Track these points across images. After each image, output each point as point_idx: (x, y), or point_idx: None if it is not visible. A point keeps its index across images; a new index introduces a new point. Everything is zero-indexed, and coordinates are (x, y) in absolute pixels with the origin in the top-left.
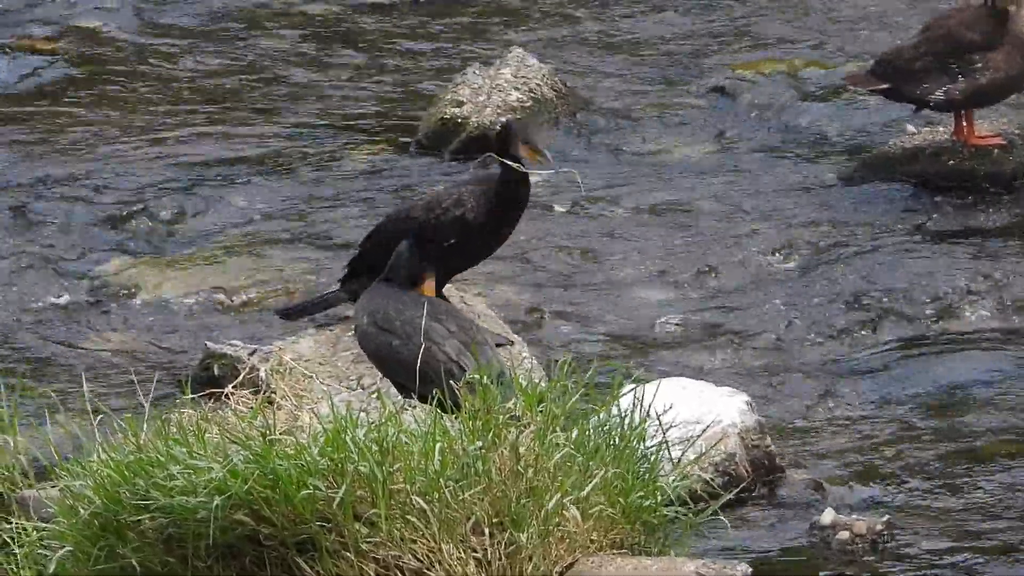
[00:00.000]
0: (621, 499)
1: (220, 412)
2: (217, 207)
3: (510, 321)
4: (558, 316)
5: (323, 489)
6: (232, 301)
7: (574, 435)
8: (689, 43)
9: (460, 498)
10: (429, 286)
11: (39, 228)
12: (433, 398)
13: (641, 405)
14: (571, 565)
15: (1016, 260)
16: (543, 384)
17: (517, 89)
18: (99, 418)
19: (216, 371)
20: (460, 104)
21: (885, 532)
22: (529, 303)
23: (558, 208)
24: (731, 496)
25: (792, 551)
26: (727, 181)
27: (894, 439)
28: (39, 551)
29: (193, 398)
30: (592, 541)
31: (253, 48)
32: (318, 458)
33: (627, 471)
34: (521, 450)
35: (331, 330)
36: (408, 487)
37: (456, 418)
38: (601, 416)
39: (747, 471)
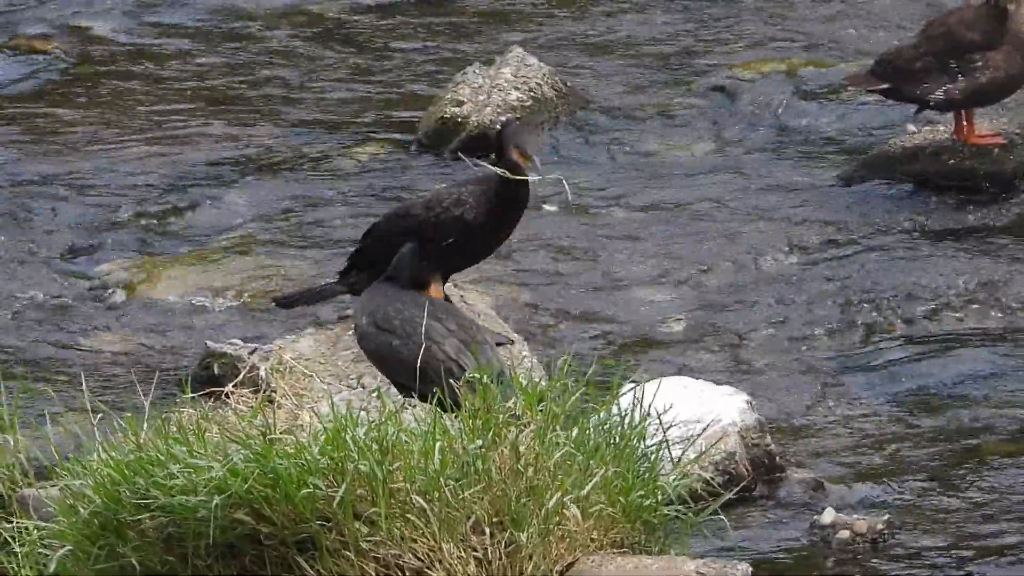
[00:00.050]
0: (621, 498)
1: (220, 411)
2: (217, 206)
3: (510, 320)
4: (558, 315)
5: (323, 488)
6: (232, 300)
7: (574, 434)
8: (689, 43)
9: (460, 497)
10: (436, 289)
11: (39, 228)
12: (433, 397)
13: (641, 404)
14: (571, 564)
15: (1017, 259)
16: (543, 383)
17: (517, 89)
18: (99, 417)
19: (216, 370)
20: (460, 103)
21: (885, 531)
22: (529, 302)
23: (547, 208)
24: (731, 495)
25: (792, 550)
26: (727, 180)
27: (894, 438)
28: (39, 550)
29: (193, 397)
30: (592, 540)
31: (253, 47)
32: (318, 457)
33: (627, 470)
34: (521, 449)
35: (331, 329)
36: (408, 486)
37: (456, 417)
38: (601, 415)
39: (747, 470)
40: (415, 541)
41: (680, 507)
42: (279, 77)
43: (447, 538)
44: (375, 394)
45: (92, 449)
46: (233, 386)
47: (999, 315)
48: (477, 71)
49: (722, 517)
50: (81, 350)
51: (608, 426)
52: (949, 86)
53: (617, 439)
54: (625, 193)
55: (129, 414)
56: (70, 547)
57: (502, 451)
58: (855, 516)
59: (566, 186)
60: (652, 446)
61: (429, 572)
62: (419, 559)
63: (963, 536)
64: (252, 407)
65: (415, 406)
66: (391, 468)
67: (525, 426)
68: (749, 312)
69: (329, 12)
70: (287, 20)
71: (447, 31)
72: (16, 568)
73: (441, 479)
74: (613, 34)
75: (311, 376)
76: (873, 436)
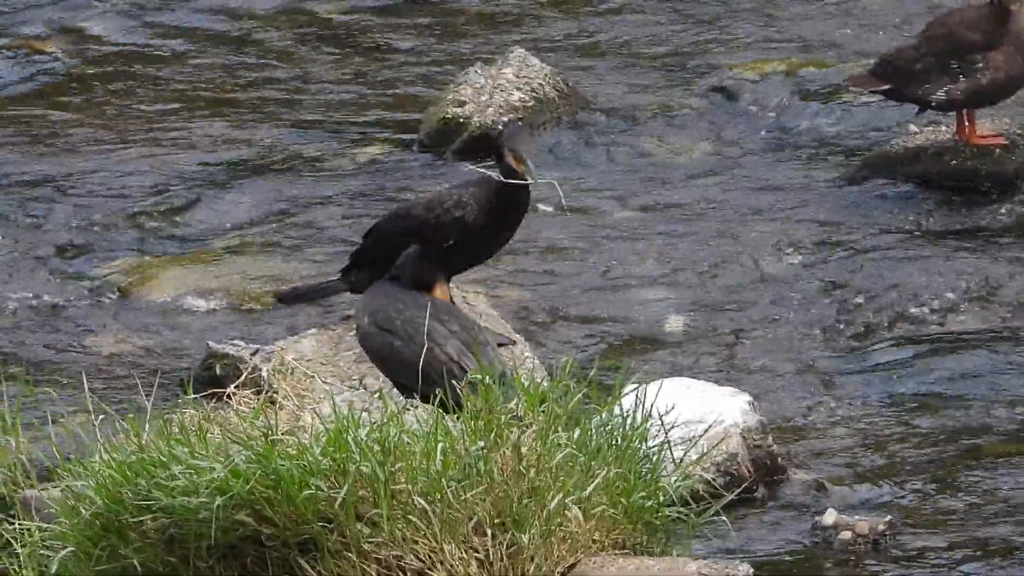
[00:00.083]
0: (623, 499)
1: (222, 412)
2: (218, 207)
3: (512, 321)
4: (560, 316)
5: (325, 489)
6: (234, 301)
7: (576, 435)
8: (691, 43)
9: (462, 498)
10: (443, 291)
11: (39, 229)
12: (435, 398)
13: (643, 405)
14: (573, 565)
15: (1018, 260)
16: (545, 384)
17: (519, 89)
18: (101, 418)
19: (218, 371)
20: (462, 104)
21: (887, 532)
22: (531, 303)
23: (542, 208)
24: (733, 496)
25: (794, 551)
26: (728, 181)
27: (896, 439)
28: (41, 551)
29: (195, 398)
30: (594, 541)
31: (253, 48)
32: (320, 458)
33: (629, 471)
34: (523, 450)
35: (333, 330)
36: (410, 487)
37: (458, 418)
38: (603, 416)
39: (749, 471)
40: (417, 542)
41: (682, 508)
42: (279, 77)
43: (449, 539)
44: (377, 395)
45: (94, 450)
46: (235, 387)
47: (1000, 315)
48: (479, 71)
49: (724, 518)
50: (82, 351)
51: (610, 427)
52: (950, 86)
53: (619, 440)
54: (627, 193)
55: (131, 415)
56: (72, 548)
57: (504, 452)
58: (857, 517)
59: (559, 190)
60: (654, 447)
61: (431, 573)
62: (421, 560)
63: (965, 537)
64: (254, 408)
65: (417, 407)
66: (393, 469)
67: (527, 427)
68: (751, 312)
69: (330, 12)
70: (287, 20)
71: (449, 31)
72: (18, 569)
73: (443, 480)
74: (615, 35)
75: (313, 377)
76: (874, 437)
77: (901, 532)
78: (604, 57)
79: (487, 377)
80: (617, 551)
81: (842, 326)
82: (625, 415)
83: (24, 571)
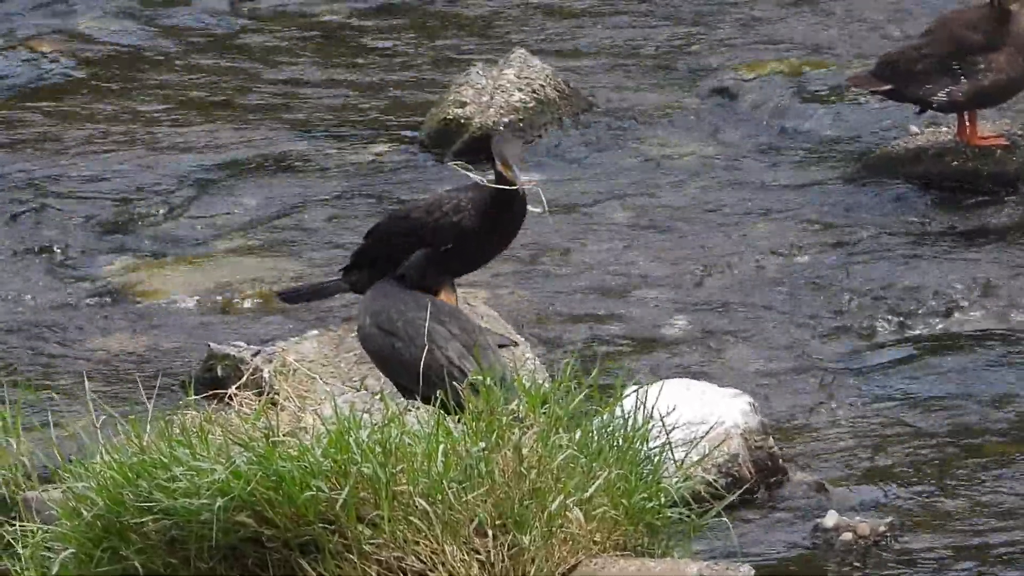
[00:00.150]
0: (624, 500)
1: (223, 413)
2: (219, 208)
3: (513, 322)
4: (561, 317)
5: (326, 491)
6: (235, 302)
7: (577, 436)
8: (692, 44)
9: (463, 500)
10: (448, 295)
11: (41, 229)
12: (436, 399)
13: (644, 406)
14: (574, 567)
15: (1019, 260)
16: (546, 385)
17: (520, 90)
18: (102, 419)
19: (219, 372)
20: (463, 105)
21: (888, 534)
22: (532, 304)
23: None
24: (734, 498)
25: (795, 553)
26: (729, 182)
27: (897, 440)
28: (43, 553)
29: (196, 399)
30: (595, 543)
31: (254, 48)
32: (321, 459)
33: (630, 472)
34: (524, 451)
35: (334, 331)
36: (411, 488)
37: (459, 420)
38: (604, 417)
39: (750, 472)
40: (418, 543)
41: (683, 509)
42: (280, 78)
43: (450, 540)
44: (378, 396)
45: (95, 452)
46: (236, 388)
47: (1001, 316)
48: (480, 72)
49: (725, 519)
50: (83, 352)
51: (611, 428)
52: (952, 87)
53: (620, 441)
54: (627, 194)
55: (132, 416)
56: (73, 549)
57: (505, 454)
58: (858, 518)
59: (542, 196)
60: (655, 448)
61: (432, 574)
62: (422, 561)
63: (966, 538)
64: (255, 409)
65: (417, 408)
66: (394, 470)
67: (528, 429)
68: (751, 314)
69: (330, 13)
70: (288, 21)
71: (449, 32)
72: (20, 570)
73: (444, 481)
74: (616, 35)
75: (314, 378)
76: (875, 438)
77: (902, 533)
78: (605, 58)
79: (488, 378)
80: (618, 552)
81: (843, 327)
82: (626, 416)
83: (26, 572)
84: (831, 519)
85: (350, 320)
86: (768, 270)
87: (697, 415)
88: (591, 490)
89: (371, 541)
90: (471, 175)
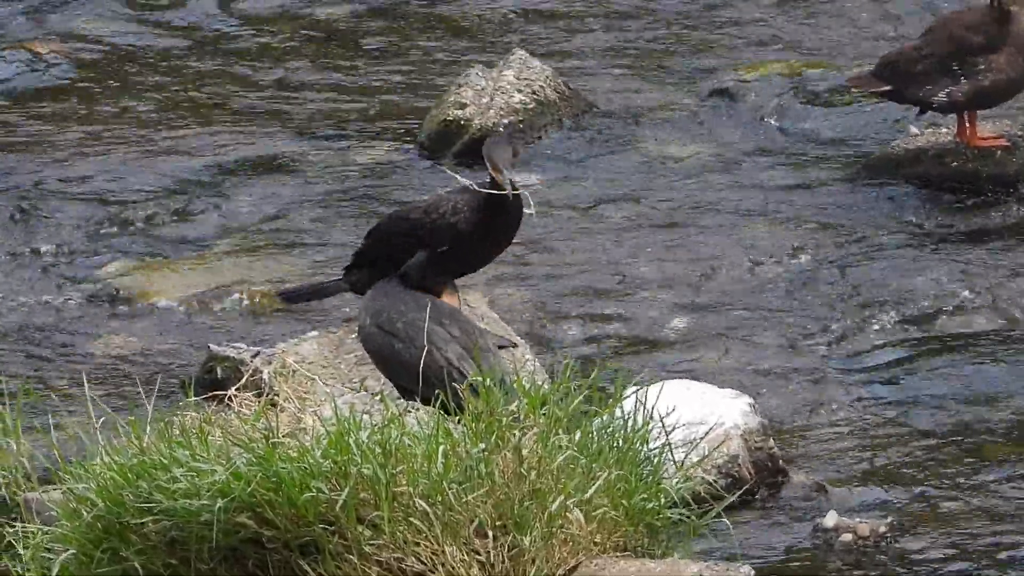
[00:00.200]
0: (624, 501)
1: (223, 415)
2: (219, 209)
3: (513, 323)
4: (561, 317)
5: (326, 492)
6: (235, 303)
7: (577, 437)
8: (692, 45)
9: (463, 500)
10: (451, 297)
11: (41, 231)
12: (436, 400)
13: (644, 407)
14: (574, 567)
15: (1019, 261)
16: (546, 386)
17: (520, 91)
18: (102, 421)
19: (219, 373)
20: (463, 106)
21: (888, 534)
22: (532, 304)
23: (543, 210)
24: (734, 498)
25: (795, 553)
26: (729, 182)
27: (897, 441)
28: (42, 554)
29: (196, 400)
30: (595, 543)
31: (254, 49)
32: (321, 460)
33: (630, 473)
34: (524, 452)
35: (334, 332)
36: (411, 489)
37: (459, 421)
38: (604, 418)
39: (750, 473)
40: (418, 544)
41: (683, 510)
42: (280, 79)
43: (450, 541)
44: (378, 397)
45: (95, 453)
46: (236, 389)
47: (1001, 317)
48: (480, 73)
49: (725, 520)
50: (83, 353)
51: (611, 429)
52: (952, 88)
53: (620, 442)
54: (628, 195)
55: (132, 417)
56: (73, 550)
57: (505, 455)
58: (858, 519)
59: (529, 199)
60: (655, 449)
61: (432, 575)
62: (422, 562)
63: (966, 538)
64: (255, 410)
65: (417, 409)
66: (394, 471)
67: (528, 429)
68: (751, 314)
69: (330, 14)
70: (288, 22)
71: (449, 33)
72: (21, 571)
73: (444, 482)
74: (616, 36)
75: (314, 379)
76: (876, 438)
77: (902, 534)
78: (605, 59)
79: (488, 380)
80: (618, 553)
81: (843, 328)
82: (626, 417)
83: (27, 573)
84: (831, 520)
85: (350, 321)
86: (768, 270)
87: (697, 416)
88: (591, 491)
89: (371, 542)
90: (460, 179)
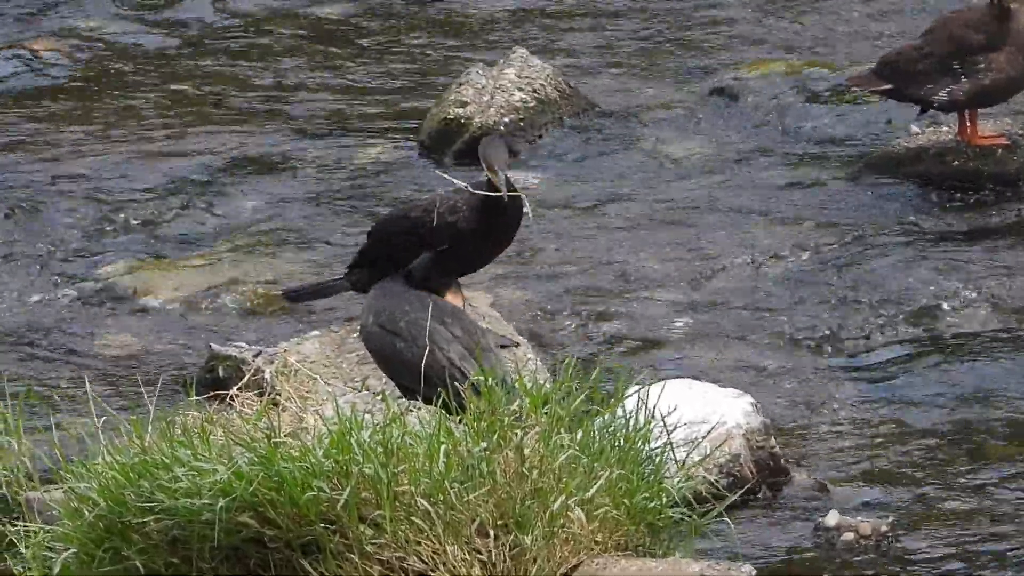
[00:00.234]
0: (626, 500)
1: (225, 414)
2: (220, 208)
3: (515, 322)
4: (562, 317)
5: (328, 491)
6: (236, 302)
7: (579, 437)
8: (692, 44)
9: (465, 500)
10: (455, 296)
11: (42, 230)
12: (438, 398)
13: (646, 406)
14: (576, 567)
15: (1020, 260)
16: (548, 385)
17: (521, 90)
18: (103, 420)
19: (221, 373)
20: (463, 104)
21: (890, 533)
22: (533, 304)
23: (543, 210)
24: (736, 498)
25: (797, 552)
26: (730, 181)
27: (899, 440)
28: (44, 553)
29: (198, 400)
30: (597, 543)
31: (255, 49)
32: (323, 460)
33: (632, 472)
34: (526, 452)
35: (336, 332)
36: (413, 489)
37: (460, 420)
38: (606, 417)
39: (752, 472)
40: (419, 544)
41: (684, 509)
42: (280, 79)
43: (451, 541)
44: (380, 397)
45: (96, 452)
46: (238, 389)
47: (1002, 316)
48: (480, 72)
49: (726, 519)
50: (84, 353)
51: (613, 429)
52: (952, 87)
53: (622, 442)
54: (629, 194)
55: (133, 417)
56: (75, 550)
57: (507, 454)
58: (859, 518)
59: (526, 202)
60: (656, 448)
61: (433, 574)
62: (423, 562)
63: (967, 537)
64: (257, 410)
65: (419, 408)
66: (396, 471)
67: (530, 429)
68: (753, 313)
69: (331, 13)
70: (289, 21)
71: (450, 32)
72: (23, 570)
73: (446, 482)
74: (617, 35)
75: (316, 379)
76: (877, 438)
77: (904, 533)
78: (606, 58)
79: (490, 379)
80: (620, 552)
81: (844, 327)
82: (628, 416)
83: (29, 572)
84: (833, 519)
85: (352, 320)
86: (768, 270)
87: (699, 415)
88: (593, 490)
89: (373, 541)
90: (455, 181)
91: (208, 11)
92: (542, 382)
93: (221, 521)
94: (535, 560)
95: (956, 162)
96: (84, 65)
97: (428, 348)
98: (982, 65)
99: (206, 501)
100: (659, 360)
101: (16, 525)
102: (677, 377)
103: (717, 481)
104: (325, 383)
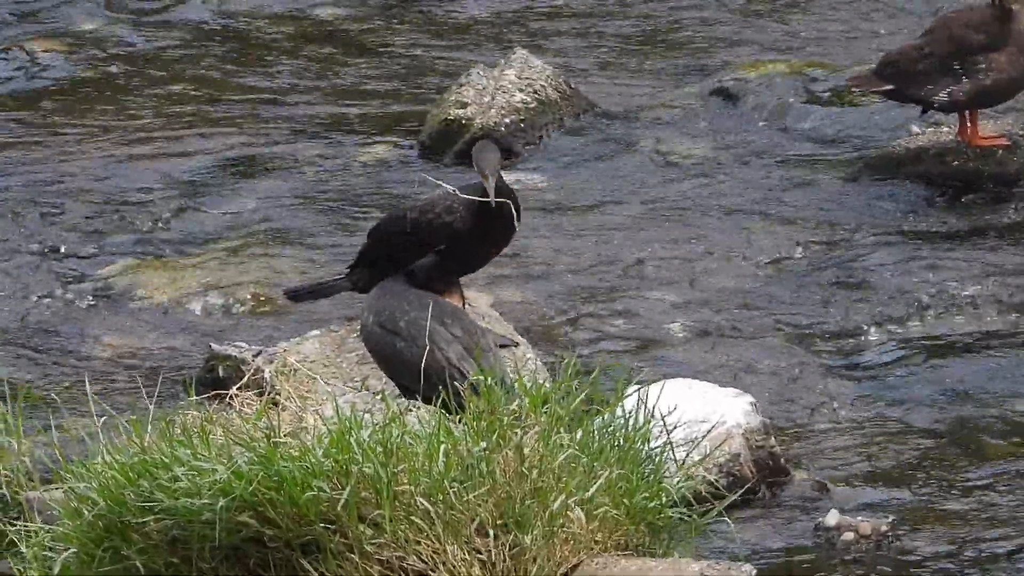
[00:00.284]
0: (626, 500)
1: (224, 414)
2: (220, 208)
3: (514, 322)
4: (562, 316)
5: (327, 491)
6: (236, 302)
7: (579, 436)
8: (693, 44)
9: (464, 499)
10: (456, 299)
11: (42, 230)
12: (437, 398)
13: (645, 406)
14: (576, 566)
15: (1020, 260)
16: (547, 385)
17: (521, 90)
18: (103, 420)
19: (220, 372)
20: (464, 105)
21: (890, 533)
22: (533, 303)
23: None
24: (736, 497)
25: (797, 552)
26: (730, 182)
27: (899, 440)
28: (44, 553)
29: (197, 400)
30: (596, 542)
31: (255, 49)
32: (322, 460)
33: (631, 472)
34: (525, 451)
35: (336, 331)
36: (412, 488)
37: (460, 420)
38: (605, 417)
39: (751, 472)
40: (419, 543)
41: (684, 509)
42: (281, 79)
43: (451, 540)
44: (379, 397)
45: (96, 452)
46: (237, 388)
47: (1002, 316)
48: (481, 73)
49: (726, 519)
50: (84, 352)
51: (612, 428)
52: (953, 87)
53: (621, 441)
54: (629, 194)
55: (133, 417)
56: (75, 549)
57: (506, 453)
58: (859, 518)
59: (514, 211)
60: (656, 448)
61: (433, 574)
62: (423, 561)
63: (967, 538)
64: (256, 409)
65: (418, 408)
66: (395, 471)
67: (529, 428)
68: (753, 313)
69: (331, 14)
70: (289, 22)
71: (450, 33)
72: (23, 570)
73: (445, 481)
74: (617, 36)
75: (315, 378)
76: (877, 437)
77: (904, 533)
78: (606, 58)
79: (489, 378)
80: (620, 552)
81: (844, 327)
82: (627, 416)
83: (29, 572)
84: (833, 518)
85: (352, 320)
86: (768, 270)
87: (699, 414)
88: (592, 490)
89: (372, 541)
90: (444, 185)
91: (207, 11)
92: (542, 382)
93: (221, 521)
94: (535, 560)
95: (956, 162)
96: (82, 66)
97: (428, 348)
98: (983, 65)
99: (206, 501)
100: (659, 359)
101: (16, 525)
102: (677, 377)
103: (717, 481)
104: (325, 383)
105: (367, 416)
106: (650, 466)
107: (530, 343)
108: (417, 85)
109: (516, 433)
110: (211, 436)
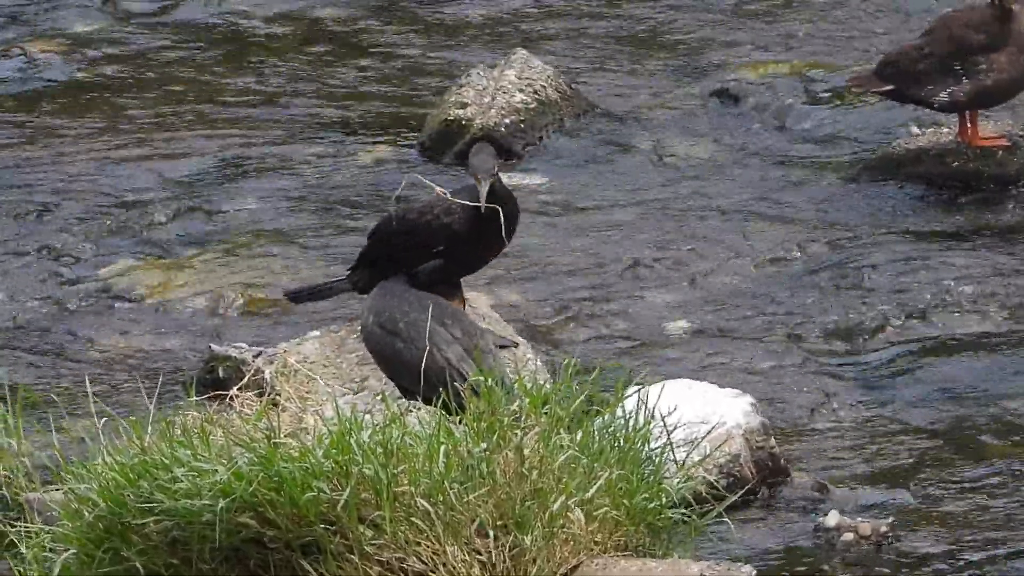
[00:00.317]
0: (626, 501)
1: (224, 414)
2: (220, 209)
3: (514, 322)
4: (562, 317)
5: (327, 491)
6: (236, 303)
7: (579, 437)
8: (693, 45)
9: (464, 500)
10: (458, 302)
11: (40, 231)
12: (437, 399)
13: (645, 407)
14: (575, 567)
15: (1020, 260)
16: (547, 386)
17: (522, 91)
18: (103, 421)
19: (220, 373)
20: (464, 106)
21: (890, 534)
22: (533, 304)
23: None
24: (736, 498)
25: (796, 552)
26: (731, 182)
27: (899, 440)
28: (44, 554)
29: (197, 400)
30: (596, 543)
31: (255, 50)
32: (323, 460)
33: (631, 473)
34: (525, 452)
35: (336, 332)
36: (412, 489)
37: (460, 420)
38: (606, 418)
39: (751, 472)
40: (419, 544)
41: (684, 510)
42: (281, 80)
43: (451, 541)
44: (379, 397)
45: (96, 453)
46: (238, 389)
47: (1002, 317)
48: (481, 73)
49: (726, 520)
50: (84, 353)
51: (612, 429)
52: (953, 88)
53: (621, 442)
54: (629, 195)
55: (133, 417)
56: (74, 550)
57: (506, 454)
58: (859, 518)
59: (503, 219)
60: (656, 449)
61: (433, 575)
62: (423, 562)
63: (967, 537)
64: (256, 410)
65: (418, 409)
66: (395, 471)
67: (529, 429)
68: (753, 314)
69: (331, 14)
70: (289, 22)
71: (450, 33)
72: (23, 570)
73: (445, 482)
74: (617, 36)
75: (315, 379)
76: (877, 438)
77: (904, 533)
78: (606, 58)
79: (489, 379)
80: (620, 553)
81: (844, 327)
82: (627, 417)
83: (29, 572)
84: (833, 519)
85: (352, 321)
86: (768, 270)
87: (698, 415)
88: (592, 490)
89: (372, 542)
90: (435, 188)
91: (207, 12)
92: (542, 382)
93: (221, 522)
94: (535, 560)
95: (956, 163)
96: (79, 67)
97: (428, 349)
98: (983, 66)
99: (206, 502)
100: (659, 360)
101: (16, 526)
102: (677, 377)
103: (717, 481)
104: (325, 384)
105: (367, 417)
106: (650, 467)
107: (530, 344)
108: (417, 86)
109: (516, 434)
110: (211, 437)
